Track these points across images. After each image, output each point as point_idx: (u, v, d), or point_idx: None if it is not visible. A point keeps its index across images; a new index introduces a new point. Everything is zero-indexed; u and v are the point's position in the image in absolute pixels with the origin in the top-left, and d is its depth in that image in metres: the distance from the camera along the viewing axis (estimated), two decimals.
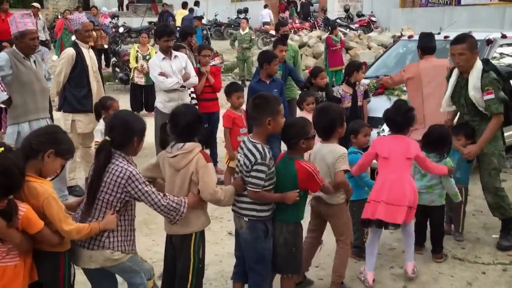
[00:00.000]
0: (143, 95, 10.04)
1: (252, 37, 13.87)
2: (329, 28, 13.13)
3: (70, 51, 5.53)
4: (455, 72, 4.39)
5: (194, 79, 5.91)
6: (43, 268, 2.66)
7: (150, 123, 5.84)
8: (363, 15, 21.72)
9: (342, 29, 15.65)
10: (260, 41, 18.04)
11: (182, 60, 5.85)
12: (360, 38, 15.80)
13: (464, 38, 4.21)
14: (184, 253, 3.08)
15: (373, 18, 21.03)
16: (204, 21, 18.96)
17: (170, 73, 5.73)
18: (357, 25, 20.25)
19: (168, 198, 2.85)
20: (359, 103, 5.79)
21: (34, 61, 4.86)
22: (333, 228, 3.68)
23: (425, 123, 4.96)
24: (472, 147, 4.21)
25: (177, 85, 5.72)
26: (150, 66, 5.97)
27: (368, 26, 20.35)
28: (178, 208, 2.87)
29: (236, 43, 13.69)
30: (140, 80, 9.93)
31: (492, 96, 4.05)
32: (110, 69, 13.67)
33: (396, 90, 6.08)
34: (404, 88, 6.01)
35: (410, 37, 7.51)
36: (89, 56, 5.62)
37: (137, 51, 10.05)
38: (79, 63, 5.48)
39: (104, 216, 2.74)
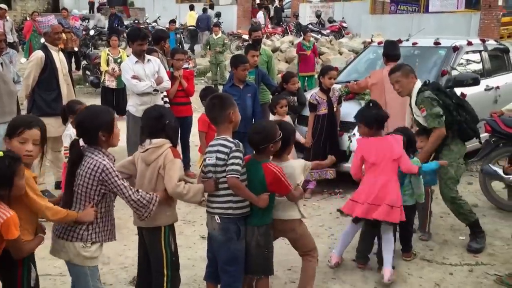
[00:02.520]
0: (114, 99, 9.93)
1: (225, 41, 13.88)
2: (301, 33, 13.26)
3: (39, 54, 5.44)
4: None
5: (167, 83, 5.89)
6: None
7: (121, 126, 5.82)
8: (334, 21, 21.97)
9: (313, 35, 15.80)
10: (233, 46, 18.07)
11: (155, 64, 5.82)
12: (331, 44, 15.99)
13: (398, 67, 4.51)
14: (155, 248, 3.13)
15: (344, 24, 21.29)
16: (176, 25, 18.88)
17: (143, 76, 5.70)
18: (328, 31, 20.47)
19: (139, 195, 2.88)
20: (335, 109, 5.87)
21: (1, 64, 4.75)
22: (293, 245, 3.64)
23: (387, 127, 5.09)
24: (419, 155, 4.38)
25: (150, 89, 5.69)
26: (123, 69, 5.91)
27: (339, 32, 20.59)
28: (148, 205, 2.90)
29: (209, 47, 13.68)
30: (111, 83, 9.82)
31: (424, 113, 4.29)
32: (80, 72, 13.47)
33: (366, 95, 6.17)
34: None
35: (379, 43, 7.65)
36: (59, 58, 5.54)
37: (108, 54, 9.94)
38: (49, 65, 5.39)
39: (84, 208, 2.80)
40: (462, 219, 4.52)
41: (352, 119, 5.94)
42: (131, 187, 2.87)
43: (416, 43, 7.02)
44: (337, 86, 6.20)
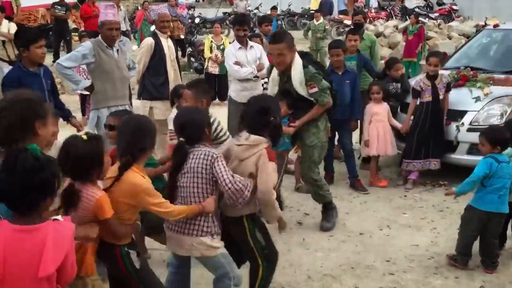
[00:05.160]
0: (216, 84, 10.24)
1: (326, 27, 13.67)
2: (407, 17, 12.70)
3: (149, 41, 5.74)
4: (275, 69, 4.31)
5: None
6: (103, 259, 2.72)
7: (223, 112, 5.99)
8: (443, 3, 20.71)
9: (421, 18, 15.04)
10: (334, 31, 17.77)
11: (257, 51, 5.91)
12: (440, 28, 15.12)
13: (282, 37, 4.13)
14: (242, 240, 3.06)
15: (454, 7, 20.01)
16: (278, 11, 18.97)
17: (245, 62, 5.80)
18: (437, 14, 19.35)
19: (235, 180, 2.83)
20: (441, 97, 5.55)
21: (118, 50, 5.06)
22: None
23: None
24: (293, 125, 4.21)
25: (251, 75, 5.77)
26: (226, 55, 6.06)
27: (449, 15, 19.40)
28: (243, 191, 2.84)
29: (310, 33, 13.57)
30: (214, 69, 10.13)
31: (316, 89, 4.14)
32: (185, 59, 14.06)
33: (478, 82, 5.77)
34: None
35: (495, 26, 7.09)
36: (167, 45, 5.80)
37: (211, 41, 10.25)
38: (158, 52, 5.67)
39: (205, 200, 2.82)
40: (319, 199, 4.56)
41: (461, 108, 5.63)
42: (230, 171, 2.84)
43: None
44: (445, 73, 5.85)
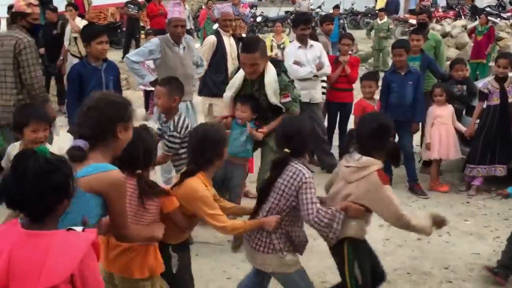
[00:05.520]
0: None
1: (390, 26, 13.37)
2: (477, 17, 12.20)
3: (211, 39, 5.85)
4: (241, 74, 4.14)
5: (327, 69, 5.91)
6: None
7: None
8: None
9: (492, 18, 14.35)
10: (398, 31, 17.33)
11: (317, 50, 5.89)
12: None
13: (255, 46, 3.92)
14: (338, 267, 2.85)
15: None
16: (340, 10, 18.72)
17: (305, 62, 5.80)
18: (509, 14, 18.41)
19: (319, 215, 2.61)
20: (510, 100, 5.30)
21: (184, 48, 5.20)
22: None
23: None
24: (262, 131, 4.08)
25: (310, 75, 5.77)
26: (286, 54, 6.08)
27: None
28: (331, 224, 2.63)
29: (373, 32, 13.33)
30: None
31: (289, 99, 4.06)
32: None
33: None
34: None
35: None
36: (229, 43, 5.89)
37: (272, 40, 10.30)
38: (220, 50, 5.77)
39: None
40: None
41: None
42: (316, 205, 2.62)
43: None
44: None
